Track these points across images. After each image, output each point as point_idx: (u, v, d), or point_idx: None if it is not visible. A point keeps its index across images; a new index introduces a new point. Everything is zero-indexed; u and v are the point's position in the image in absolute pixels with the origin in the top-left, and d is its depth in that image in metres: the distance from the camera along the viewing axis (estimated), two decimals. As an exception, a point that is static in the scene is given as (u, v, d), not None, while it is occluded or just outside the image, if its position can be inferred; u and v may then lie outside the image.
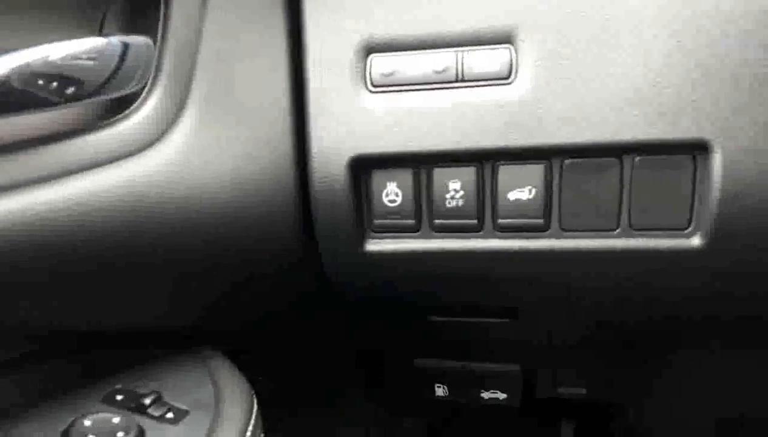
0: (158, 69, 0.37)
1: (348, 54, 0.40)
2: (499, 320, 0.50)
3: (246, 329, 0.50)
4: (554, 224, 0.40)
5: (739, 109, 0.36)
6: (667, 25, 0.36)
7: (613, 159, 0.38)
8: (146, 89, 0.36)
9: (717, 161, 0.36)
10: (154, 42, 0.36)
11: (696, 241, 0.38)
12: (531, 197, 0.40)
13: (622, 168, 0.38)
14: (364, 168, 0.41)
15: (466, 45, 0.39)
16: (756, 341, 0.51)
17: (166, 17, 0.37)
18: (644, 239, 0.39)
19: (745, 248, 0.38)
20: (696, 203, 0.38)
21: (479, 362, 0.61)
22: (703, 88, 0.36)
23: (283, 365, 0.60)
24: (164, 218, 0.37)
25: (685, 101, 0.36)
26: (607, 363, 0.60)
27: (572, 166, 0.39)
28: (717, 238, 0.37)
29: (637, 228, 0.39)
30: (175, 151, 0.37)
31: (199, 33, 0.38)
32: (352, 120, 0.40)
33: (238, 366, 0.45)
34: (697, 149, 0.37)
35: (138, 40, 0.35)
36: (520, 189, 0.40)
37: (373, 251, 0.43)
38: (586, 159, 0.38)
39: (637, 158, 0.38)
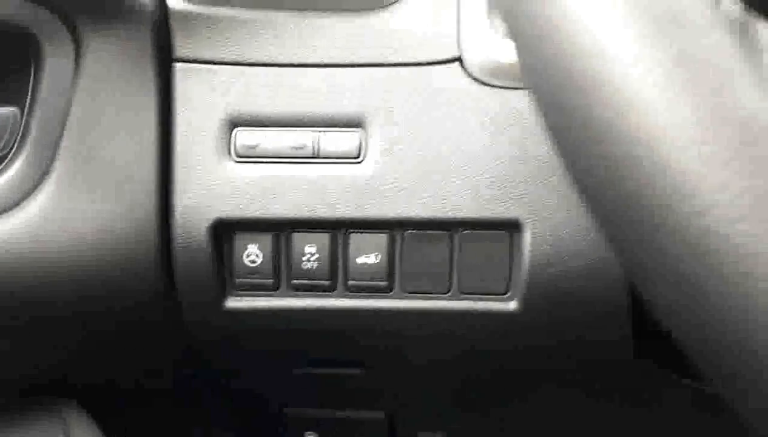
0: (24, 136, 0.39)
1: (214, 126, 0.44)
2: (351, 370, 0.54)
3: (109, 383, 0.51)
4: (397, 286, 0.45)
5: (547, 193, 0.43)
6: (486, 115, 0.43)
7: (444, 232, 0.44)
8: (9, 156, 0.38)
9: (527, 236, 0.43)
10: (21, 109, 0.38)
11: (513, 305, 0.45)
12: (377, 261, 0.45)
13: (452, 240, 0.44)
14: (226, 231, 0.45)
15: (323, 126, 0.44)
16: (581, 390, 0.59)
17: (36, 85, 0.39)
18: (471, 302, 0.45)
19: (553, 311, 0.45)
20: (512, 272, 0.44)
21: (347, 409, 0.65)
22: (517, 175, 0.43)
23: (149, 416, 0.60)
24: (20, 281, 0.38)
25: (502, 185, 0.43)
26: (461, 409, 0.66)
27: (411, 236, 0.44)
28: (529, 302, 0.44)
29: (465, 292, 0.45)
30: (34, 216, 0.39)
31: (68, 102, 0.41)
32: (215, 187, 0.44)
33: (99, 418, 0.46)
34: (511, 227, 0.43)
35: (1, 110, 0.37)
36: (368, 255, 0.45)
37: (233, 308, 0.46)
38: (422, 231, 0.44)
39: (464, 232, 0.44)
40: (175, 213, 0.44)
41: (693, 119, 0.12)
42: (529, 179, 0.43)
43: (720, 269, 0.12)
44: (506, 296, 0.45)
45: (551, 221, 0.43)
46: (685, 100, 0.12)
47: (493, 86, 0.43)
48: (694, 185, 0.12)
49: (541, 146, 0.43)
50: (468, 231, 0.44)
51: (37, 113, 0.39)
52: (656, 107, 0.13)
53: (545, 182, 0.43)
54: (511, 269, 0.44)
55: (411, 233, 0.44)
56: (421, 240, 0.44)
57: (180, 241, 0.44)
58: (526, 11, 0.15)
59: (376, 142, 0.44)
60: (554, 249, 0.43)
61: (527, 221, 0.43)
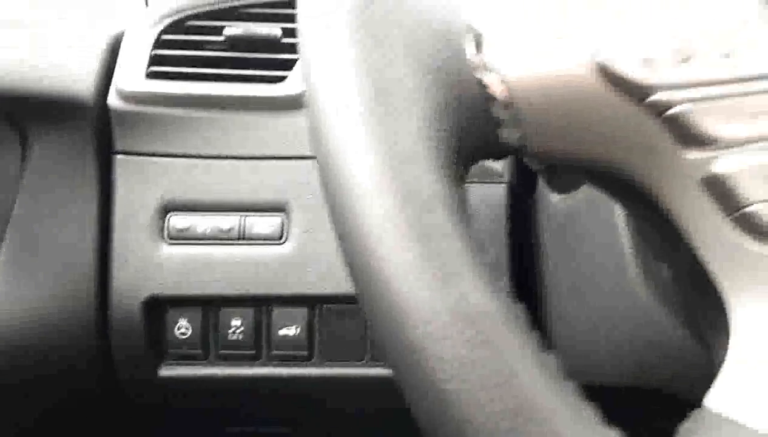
0: (-30, 228, 0.43)
1: (150, 212, 0.49)
2: (281, 429, 0.58)
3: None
4: (316, 355, 0.50)
5: None
6: None
7: (357, 306, 0.49)
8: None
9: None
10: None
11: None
12: (297, 333, 0.50)
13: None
14: (159, 307, 0.49)
15: (248, 211, 0.49)
16: None
17: (-17, 180, 0.44)
18: (383, 368, 0.50)
19: None
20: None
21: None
22: None
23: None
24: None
25: None
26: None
27: (329, 310, 0.49)
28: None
29: (378, 359, 0.50)
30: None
31: (14, 194, 0.45)
32: (149, 267, 0.48)
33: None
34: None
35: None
36: (289, 327, 0.50)
37: (167, 375, 0.50)
38: (338, 305, 0.49)
39: None
40: (112, 292, 0.48)
41: (426, 306, 0.18)
42: None
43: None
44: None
45: None
46: (422, 292, 0.18)
47: None
48: (420, 350, 0.18)
49: None
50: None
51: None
52: (399, 297, 0.18)
53: None
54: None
55: (328, 307, 0.49)
56: (338, 313, 0.49)
57: (116, 316, 0.48)
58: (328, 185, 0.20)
59: (296, 225, 0.49)
60: None
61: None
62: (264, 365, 0.50)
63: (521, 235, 0.49)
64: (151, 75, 0.50)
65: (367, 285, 0.19)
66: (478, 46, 0.22)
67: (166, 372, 0.50)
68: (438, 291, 0.18)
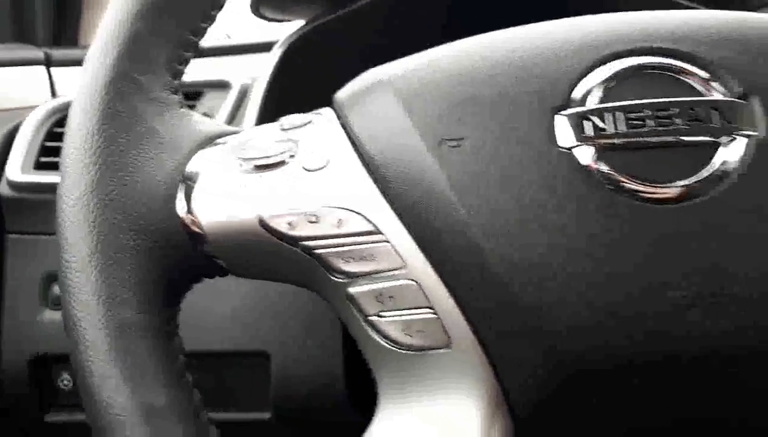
0: None
1: (35, 282, 0.57)
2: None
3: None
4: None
5: (290, 326, 0.57)
6: None
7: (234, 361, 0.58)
8: None
9: (273, 363, 0.57)
10: None
11: (267, 415, 0.58)
12: None
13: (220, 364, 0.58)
14: (43, 363, 0.58)
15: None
16: None
17: None
18: (235, 414, 0.58)
19: (304, 421, 0.58)
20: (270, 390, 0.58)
21: None
22: (266, 315, 0.57)
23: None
24: None
25: (251, 322, 0.57)
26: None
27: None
28: (281, 413, 0.58)
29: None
30: None
31: None
32: (35, 329, 0.57)
33: None
34: (262, 356, 0.58)
35: None
36: None
37: (53, 421, 0.59)
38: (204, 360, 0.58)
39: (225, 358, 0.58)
40: (2, 351, 0.57)
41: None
42: (275, 318, 0.57)
43: None
44: (264, 410, 0.58)
45: (289, 353, 0.57)
46: (111, 394, 0.27)
47: None
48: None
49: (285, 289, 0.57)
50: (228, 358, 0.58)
51: None
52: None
53: (292, 321, 0.57)
54: (265, 387, 0.58)
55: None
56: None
57: (5, 371, 0.57)
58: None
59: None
60: (295, 372, 0.57)
61: (273, 351, 0.57)
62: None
63: None
64: (40, 165, 0.59)
65: (85, 398, 0.28)
66: (188, 198, 0.32)
67: (51, 418, 0.58)
68: (121, 392, 0.27)
